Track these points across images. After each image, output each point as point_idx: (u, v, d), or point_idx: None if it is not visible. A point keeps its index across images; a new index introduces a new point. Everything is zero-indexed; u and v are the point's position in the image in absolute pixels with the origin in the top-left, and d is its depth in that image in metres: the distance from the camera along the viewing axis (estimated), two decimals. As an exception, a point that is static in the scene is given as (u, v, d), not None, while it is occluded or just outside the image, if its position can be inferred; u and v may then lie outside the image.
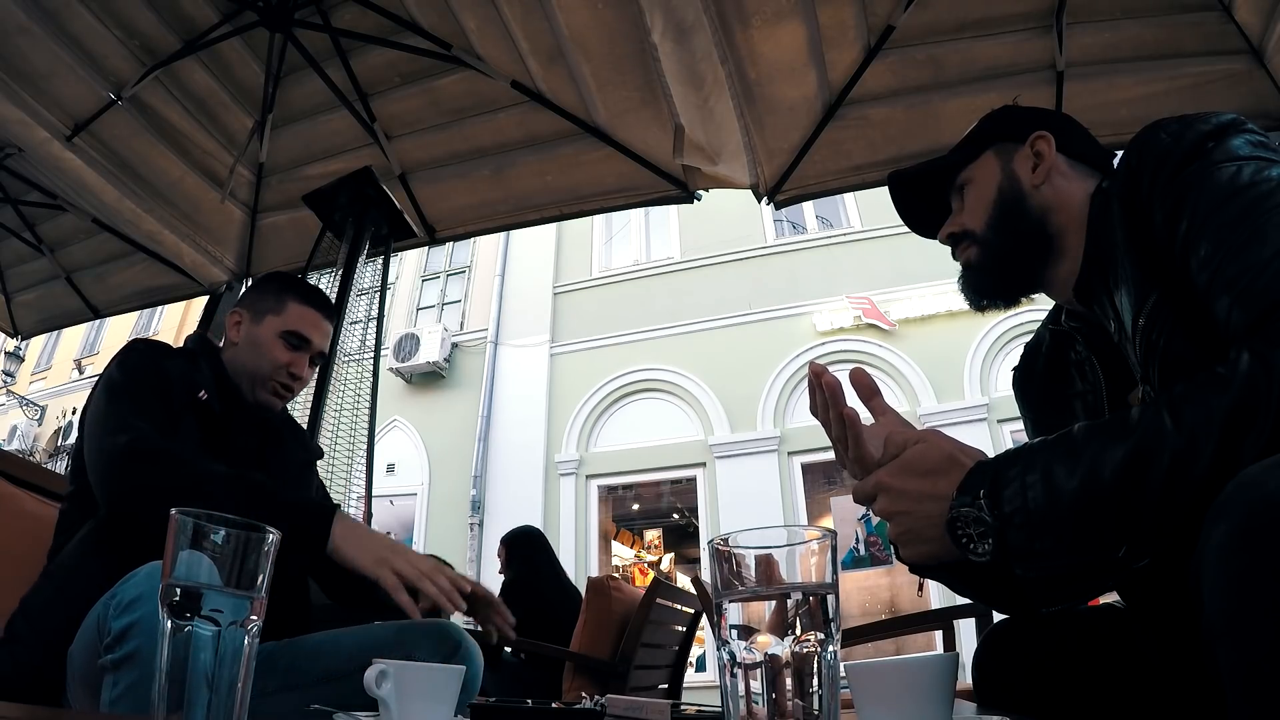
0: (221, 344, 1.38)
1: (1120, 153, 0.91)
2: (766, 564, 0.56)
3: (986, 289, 0.94)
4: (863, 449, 0.76)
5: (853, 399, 0.79)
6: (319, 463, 1.56)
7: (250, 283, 3.09)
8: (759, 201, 2.53)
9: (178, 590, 0.55)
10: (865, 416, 0.80)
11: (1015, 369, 1.04)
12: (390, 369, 8.30)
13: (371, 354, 2.61)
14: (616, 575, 7.21)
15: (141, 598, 0.86)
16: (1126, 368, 0.82)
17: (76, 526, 1.10)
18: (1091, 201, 0.86)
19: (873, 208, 7.64)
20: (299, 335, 1.33)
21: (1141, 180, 0.76)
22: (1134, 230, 0.77)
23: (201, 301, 3.13)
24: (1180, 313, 0.72)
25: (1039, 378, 0.99)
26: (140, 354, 1.21)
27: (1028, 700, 0.91)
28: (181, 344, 1.38)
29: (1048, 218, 0.88)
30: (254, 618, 0.57)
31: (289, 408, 1.45)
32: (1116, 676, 0.89)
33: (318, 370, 1.46)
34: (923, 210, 1.02)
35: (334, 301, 2.40)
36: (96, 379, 1.23)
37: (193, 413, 1.19)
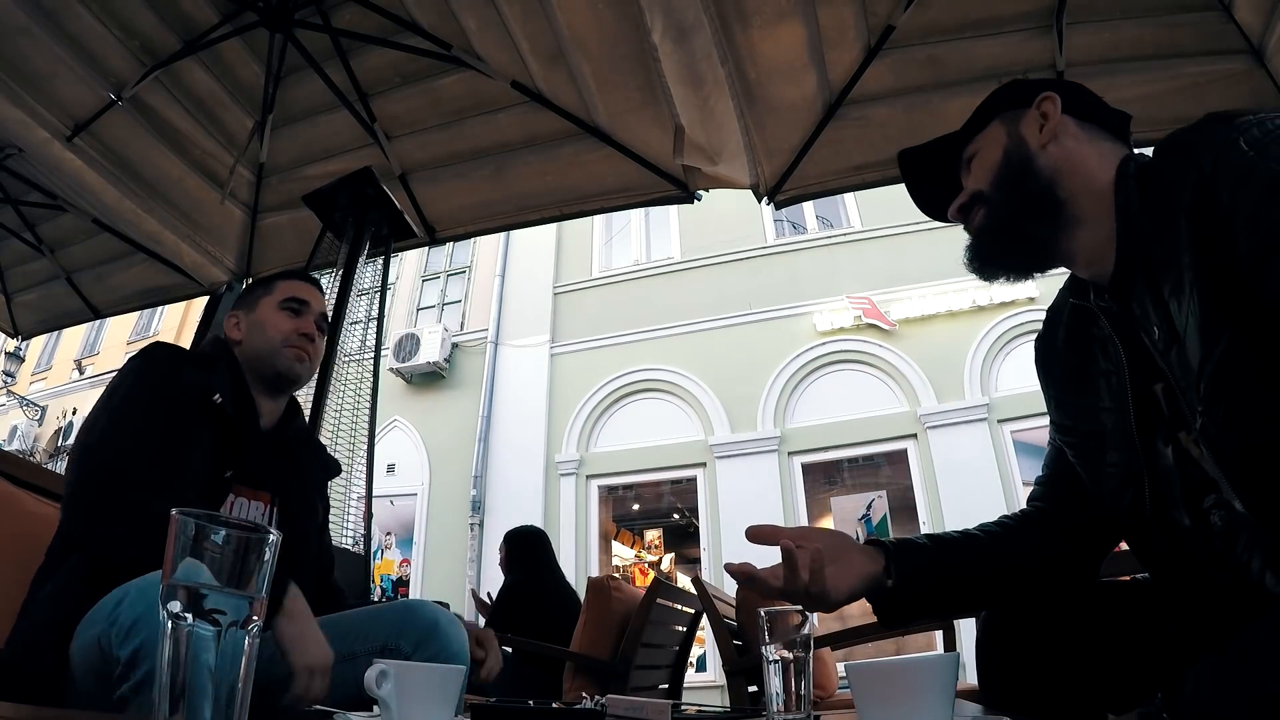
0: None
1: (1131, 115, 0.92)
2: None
3: (993, 256, 0.88)
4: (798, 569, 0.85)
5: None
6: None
7: (249, 282, 3.09)
8: (759, 201, 2.53)
9: (178, 591, 0.55)
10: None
11: (1038, 338, 0.99)
12: (390, 369, 8.30)
13: (372, 354, 2.61)
14: (617, 575, 7.20)
15: (141, 619, 0.85)
16: (1146, 353, 0.79)
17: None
18: (1119, 176, 0.81)
19: (873, 208, 7.63)
20: (295, 299, 1.38)
21: (1219, 195, 0.70)
22: (1207, 252, 0.71)
23: (201, 302, 3.13)
24: (1259, 359, 0.68)
25: (1060, 353, 0.94)
26: (159, 362, 1.21)
27: (1031, 672, 0.90)
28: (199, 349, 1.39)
29: (1058, 179, 0.84)
30: (254, 618, 0.57)
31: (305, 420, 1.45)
32: (1128, 648, 0.87)
33: (325, 340, 1.47)
34: (935, 194, 0.98)
35: (334, 302, 2.41)
36: (113, 381, 1.21)
37: (208, 419, 1.19)
